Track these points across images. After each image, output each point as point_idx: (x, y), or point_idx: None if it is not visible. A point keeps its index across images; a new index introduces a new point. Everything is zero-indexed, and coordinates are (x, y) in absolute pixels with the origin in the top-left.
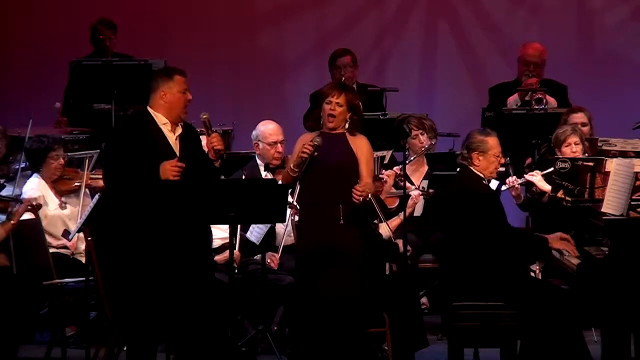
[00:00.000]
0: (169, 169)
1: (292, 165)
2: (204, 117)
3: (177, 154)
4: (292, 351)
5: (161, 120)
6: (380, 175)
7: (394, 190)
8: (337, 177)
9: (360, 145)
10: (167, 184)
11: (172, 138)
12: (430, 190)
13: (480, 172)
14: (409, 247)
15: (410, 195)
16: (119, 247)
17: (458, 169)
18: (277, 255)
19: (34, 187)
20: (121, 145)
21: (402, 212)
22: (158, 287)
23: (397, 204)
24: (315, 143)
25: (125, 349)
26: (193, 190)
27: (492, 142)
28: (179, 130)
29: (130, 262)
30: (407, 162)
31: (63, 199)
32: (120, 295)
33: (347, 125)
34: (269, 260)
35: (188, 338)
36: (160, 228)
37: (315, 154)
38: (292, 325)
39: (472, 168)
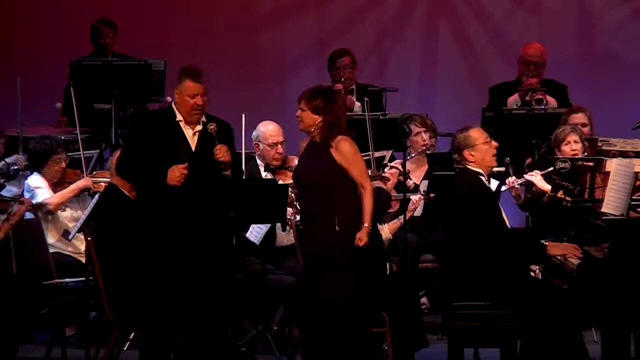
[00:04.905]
0: (176, 175)
1: None
2: (211, 128)
3: (193, 149)
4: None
5: (179, 116)
6: (383, 174)
7: (394, 193)
8: (326, 188)
9: (340, 150)
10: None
11: (190, 133)
12: (432, 195)
13: (479, 167)
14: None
15: (410, 199)
16: (121, 244)
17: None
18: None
19: (40, 184)
20: (136, 137)
21: (402, 216)
22: (161, 285)
23: (397, 207)
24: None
25: (125, 348)
26: (205, 188)
27: (475, 133)
28: (198, 127)
29: (133, 259)
30: (407, 158)
31: None
32: (122, 294)
33: (320, 131)
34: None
35: (189, 337)
36: (166, 224)
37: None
38: (300, 330)
39: (469, 166)
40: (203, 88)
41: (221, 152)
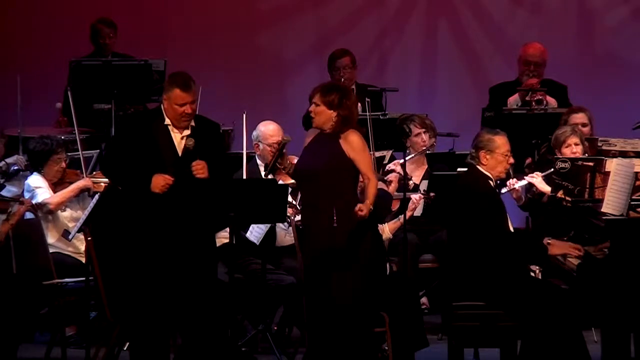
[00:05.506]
0: (160, 183)
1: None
2: (189, 144)
3: (180, 153)
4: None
5: (167, 120)
6: (385, 177)
7: (396, 193)
8: (328, 180)
9: (350, 142)
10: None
11: (177, 137)
12: (432, 194)
13: (488, 172)
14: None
15: (410, 199)
16: (119, 246)
17: (465, 168)
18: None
19: (40, 184)
20: (122, 138)
21: (402, 216)
22: (157, 286)
23: (397, 207)
24: None
25: (125, 348)
26: (188, 193)
27: (500, 141)
28: (187, 132)
29: (129, 260)
30: (407, 158)
31: None
32: (121, 294)
33: (334, 125)
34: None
35: (189, 337)
36: (150, 226)
37: None
38: (302, 330)
39: (479, 167)
40: (192, 97)
41: (197, 170)
